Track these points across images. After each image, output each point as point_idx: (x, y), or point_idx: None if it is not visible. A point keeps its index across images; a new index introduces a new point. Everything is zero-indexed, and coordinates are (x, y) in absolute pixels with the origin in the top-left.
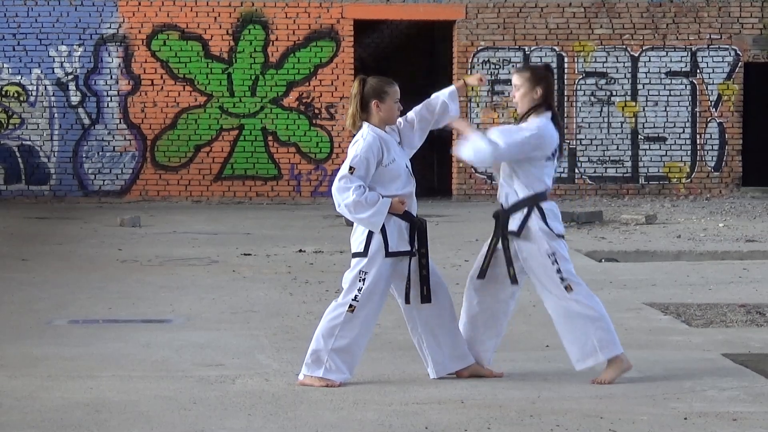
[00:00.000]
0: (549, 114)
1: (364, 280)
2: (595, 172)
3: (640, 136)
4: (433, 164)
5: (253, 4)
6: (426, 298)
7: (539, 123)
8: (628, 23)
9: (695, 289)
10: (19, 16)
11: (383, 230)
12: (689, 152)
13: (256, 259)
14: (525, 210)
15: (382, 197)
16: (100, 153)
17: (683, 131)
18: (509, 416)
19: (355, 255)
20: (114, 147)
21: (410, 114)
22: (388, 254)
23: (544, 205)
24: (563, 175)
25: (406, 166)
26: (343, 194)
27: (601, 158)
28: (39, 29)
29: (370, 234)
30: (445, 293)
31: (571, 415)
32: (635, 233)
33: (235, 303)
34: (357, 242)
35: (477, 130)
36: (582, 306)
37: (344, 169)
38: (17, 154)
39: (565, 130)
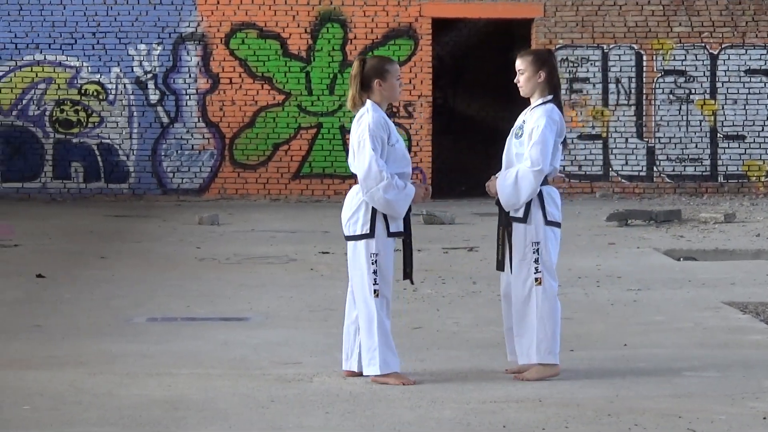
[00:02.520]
0: (551, 97)
1: (376, 262)
2: (673, 170)
3: (719, 135)
4: (487, 158)
5: (331, 3)
6: (407, 275)
7: (547, 117)
8: (707, 21)
9: None
10: (98, 15)
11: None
12: None
13: (335, 257)
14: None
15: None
16: (179, 151)
17: (762, 129)
18: (587, 415)
19: (358, 237)
20: (192, 145)
21: None
22: (390, 234)
23: (544, 188)
24: (641, 173)
25: (405, 149)
26: (375, 179)
27: (679, 156)
28: (118, 28)
29: (374, 216)
30: None
31: (649, 414)
32: (714, 232)
33: (313, 301)
34: (359, 224)
35: (505, 173)
36: (542, 305)
37: (364, 151)
38: (96, 152)
39: (644, 128)
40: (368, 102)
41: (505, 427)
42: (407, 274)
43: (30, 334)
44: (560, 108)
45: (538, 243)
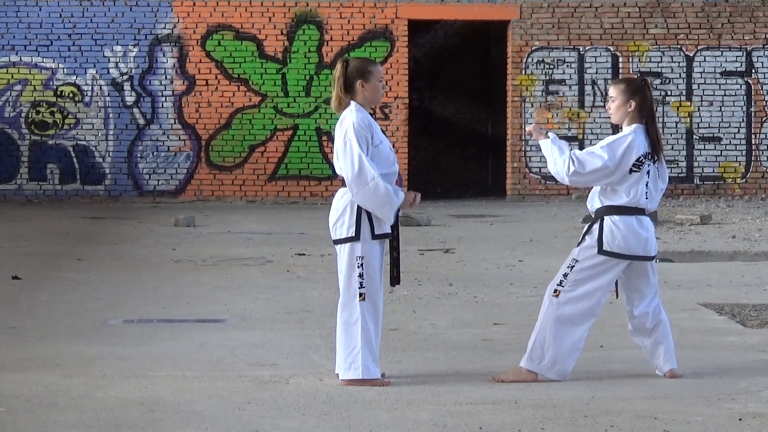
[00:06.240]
0: (636, 126)
1: (362, 265)
2: None
3: (694, 136)
4: (488, 164)
5: (307, 4)
6: (396, 279)
7: (617, 141)
8: (682, 23)
9: (750, 289)
10: (74, 16)
11: (368, 213)
12: (744, 152)
13: (311, 259)
14: (597, 222)
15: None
16: (155, 153)
17: (738, 131)
18: (563, 416)
19: (344, 240)
20: (168, 147)
21: None
22: (374, 236)
23: (613, 218)
24: None
25: (391, 149)
26: (363, 180)
27: None
28: (94, 29)
29: (359, 218)
30: None
31: (625, 415)
32: (690, 233)
33: (289, 303)
34: (345, 227)
35: (555, 142)
36: (549, 312)
37: (350, 152)
38: (72, 154)
39: (620, 130)
40: (352, 103)
41: (481, 429)
42: (395, 279)
43: (5, 336)
44: (652, 134)
45: (576, 261)
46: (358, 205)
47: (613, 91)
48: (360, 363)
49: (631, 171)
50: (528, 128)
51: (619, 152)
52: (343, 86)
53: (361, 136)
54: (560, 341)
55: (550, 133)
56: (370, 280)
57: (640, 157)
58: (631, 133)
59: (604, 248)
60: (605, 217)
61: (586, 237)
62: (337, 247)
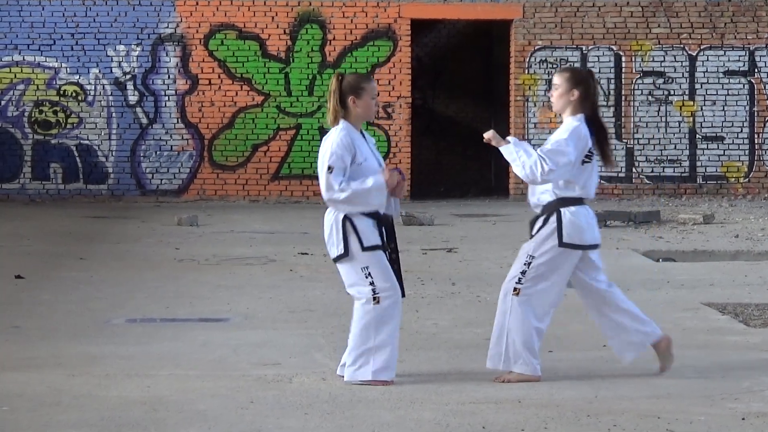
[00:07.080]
0: (580, 116)
1: (370, 274)
2: (652, 171)
3: (697, 136)
4: (490, 163)
5: (310, 4)
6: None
7: (573, 132)
8: (685, 22)
9: (753, 288)
10: (77, 15)
11: (354, 227)
12: (747, 152)
13: (314, 258)
14: (553, 215)
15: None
16: (158, 152)
17: (741, 131)
18: (566, 416)
19: (339, 258)
20: (171, 146)
21: None
22: (364, 249)
23: (570, 210)
24: (621, 175)
25: (380, 164)
26: (333, 194)
27: (658, 158)
28: (97, 29)
29: (345, 234)
30: None
31: (628, 415)
32: (693, 233)
33: (292, 302)
34: (335, 246)
35: (518, 145)
36: (514, 313)
37: (324, 171)
38: (75, 153)
39: (623, 130)
40: (341, 123)
41: (484, 428)
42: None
43: (8, 335)
44: (596, 126)
45: (533, 257)
46: (342, 221)
47: (557, 79)
48: (371, 363)
49: (582, 162)
50: (486, 135)
51: (579, 143)
52: (338, 100)
53: (337, 155)
54: (528, 337)
55: (510, 138)
56: (380, 285)
57: (590, 148)
58: (581, 123)
59: (564, 240)
60: (562, 210)
61: (541, 231)
62: (337, 265)
